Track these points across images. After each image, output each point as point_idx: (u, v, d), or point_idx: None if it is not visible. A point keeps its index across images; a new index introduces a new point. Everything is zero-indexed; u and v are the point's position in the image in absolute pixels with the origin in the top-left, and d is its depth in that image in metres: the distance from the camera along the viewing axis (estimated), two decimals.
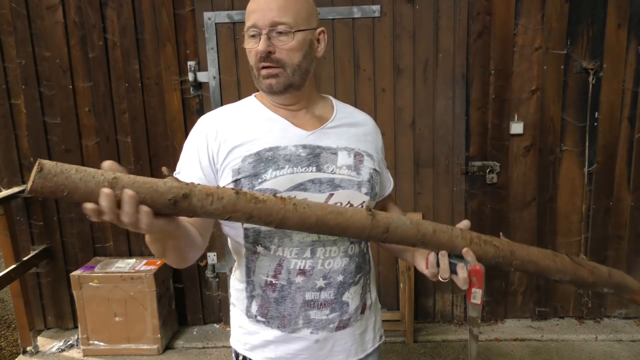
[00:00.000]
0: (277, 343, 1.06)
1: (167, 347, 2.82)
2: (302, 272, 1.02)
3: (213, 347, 2.84)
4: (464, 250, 0.95)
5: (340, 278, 1.04)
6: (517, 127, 2.75)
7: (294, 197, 0.87)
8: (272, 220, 0.84)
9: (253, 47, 1.01)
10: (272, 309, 1.05)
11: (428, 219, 2.56)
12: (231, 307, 1.16)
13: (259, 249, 1.03)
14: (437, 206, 2.86)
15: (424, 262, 1.01)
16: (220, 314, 3.04)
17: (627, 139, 2.76)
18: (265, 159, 1.01)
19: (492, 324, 2.95)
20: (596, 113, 2.74)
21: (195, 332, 2.98)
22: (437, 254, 0.98)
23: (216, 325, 3.04)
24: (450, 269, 0.96)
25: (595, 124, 2.75)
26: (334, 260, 1.03)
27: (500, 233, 1.08)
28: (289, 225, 0.85)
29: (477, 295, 0.98)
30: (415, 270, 2.79)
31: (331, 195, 1.02)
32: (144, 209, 0.74)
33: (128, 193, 0.72)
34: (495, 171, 2.79)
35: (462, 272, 0.95)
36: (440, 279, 0.98)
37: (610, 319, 2.96)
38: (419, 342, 2.81)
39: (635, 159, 2.77)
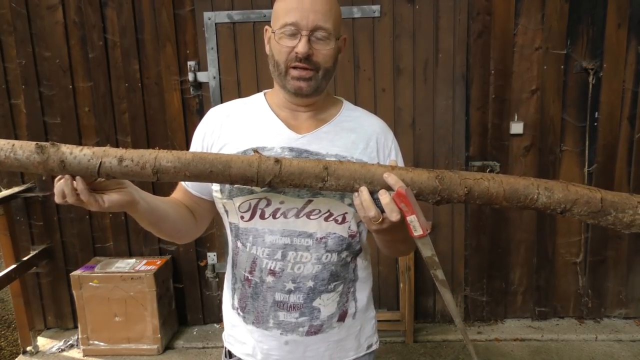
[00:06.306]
0: (253, 340, 1.09)
1: (167, 347, 2.82)
2: (272, 272, 1.03)
3: (213, 347, 2.84)
4: (385, 174, 0.86)
5: (310, 284, 1.04)
6: (517, 127, 2.75)
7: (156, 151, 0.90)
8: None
9: (288, 45, 0.98)
10: (249, 304, 1.08)
11: (427, 218, 2.56)
12: (223, 298, 1.20)
13: (239, 244, 1.07)
14: (437, 206, 2.85)
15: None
16: (220, 314, 3.03)
17: (627, 139, 2.76)
18: None
19: (492, 324, 2.95)
20: (596, 113, 2.74)
21: (195, 332, 2.98)
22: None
23: (216, 325, 3.04)
24: (377, 205, 0.85)
25: (595, 123, 2.75)
26: (305, 265, 1.03)
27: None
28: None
29: (415, 225, 0.84)
30: (415, 270, 2.79)
31: (309, 201, 1.01)
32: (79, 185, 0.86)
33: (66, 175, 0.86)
34: (495, 171, 2.79)
35: (383, 197, 0.84)
36: (372, 223, 0.87)
37: (610, 319, 2.96)
38: (419, 342, 2.81)
39: (635, 159, 2.77)
